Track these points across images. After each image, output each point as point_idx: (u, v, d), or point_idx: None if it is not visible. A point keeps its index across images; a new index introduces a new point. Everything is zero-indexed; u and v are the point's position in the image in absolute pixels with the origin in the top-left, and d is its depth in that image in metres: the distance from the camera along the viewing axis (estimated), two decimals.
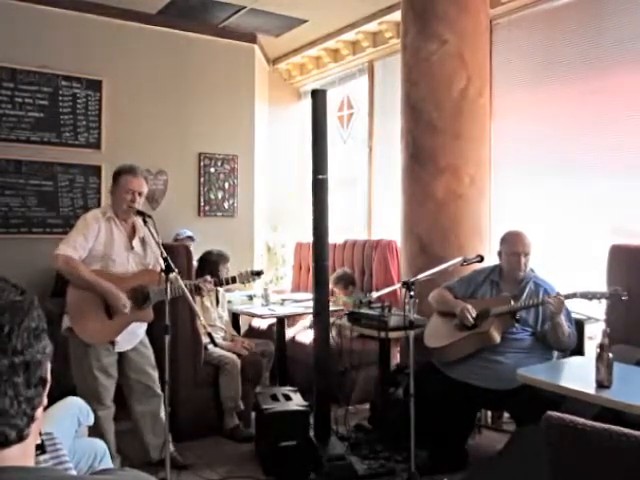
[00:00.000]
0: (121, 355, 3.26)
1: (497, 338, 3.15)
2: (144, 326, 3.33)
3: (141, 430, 3.34)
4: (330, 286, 4.77)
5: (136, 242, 3.29)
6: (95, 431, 2.98)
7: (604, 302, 3.16)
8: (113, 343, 3.19)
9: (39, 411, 0.82)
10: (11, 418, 0.78)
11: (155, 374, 3.34)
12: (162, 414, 3.27)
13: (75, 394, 2.66)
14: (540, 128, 4.33)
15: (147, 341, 3.38)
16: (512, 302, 3.18)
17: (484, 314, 3.21)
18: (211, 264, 4.29)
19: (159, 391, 3.31)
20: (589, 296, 2.97)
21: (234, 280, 3.48)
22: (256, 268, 3.73)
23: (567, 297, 3.03)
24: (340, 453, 3.24)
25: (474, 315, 3.22)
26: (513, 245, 3.30)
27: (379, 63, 5.79)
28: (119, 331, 3.16)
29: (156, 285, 3.15)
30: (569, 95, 4.16)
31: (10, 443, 0.79)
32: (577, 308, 3.69)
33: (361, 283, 5.15)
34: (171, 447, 3.33)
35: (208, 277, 3.47)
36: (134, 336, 3.28)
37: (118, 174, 3.25)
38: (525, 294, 3.25)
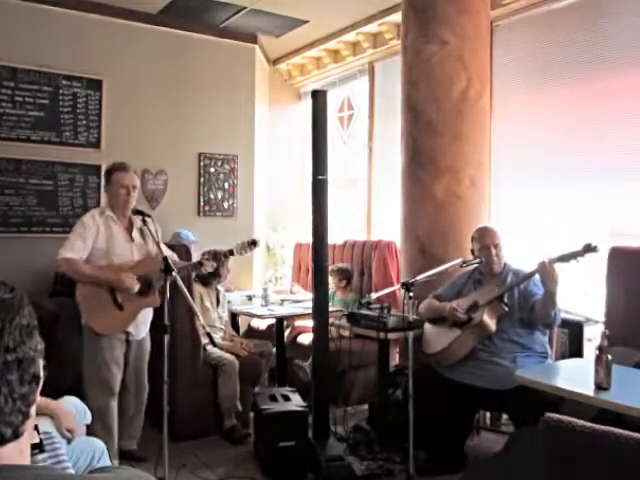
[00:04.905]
0: (127, 345, 3.36)
1: (492, 326, 3.19)
2: (150, 317, 3.44)
3: (124, 417, 3.41)
4: None
5: (135, 233, 3.39)
6: (103, 424, 3.05)
7: (582, 261, 3.05)
8: (128, 334, 3.32)
9: (33, 408, 0.82)
10: (6, 416, 0.78)
11: (146, 365, 3.48)
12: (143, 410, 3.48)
13: (72, 394, 2.66)
14: (540, 130, 4.33)
15: (148, 336, 3.49)
16: (497, 289, 3.24)
17: (474, 307, 3.26)
18: None
19: (146, 382, 3.47)
20: (565, 259, 3.01)
21: (232, 253, 3.52)
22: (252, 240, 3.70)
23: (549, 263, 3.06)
24: (338, 454, 3.24)
25: (463, 311, 3.27)
26: (481, 239, 3.41)
27: (379, 64, 5.79)
28: (132, 319, 3.28)
29: (157, 271, 3.18)
30: (569, 97, 4.16)
31: (6, 441, 0.79)
32: (577, 310, 3.70)
33: (360, 284, 5.14)
34: (134, 444, 3.49)
35: (205, 255, 3.53)
36: (145, 325, 3.44)
37: (110, 172, 3.37)
38: (508, 284, 3.30)
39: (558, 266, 3.04)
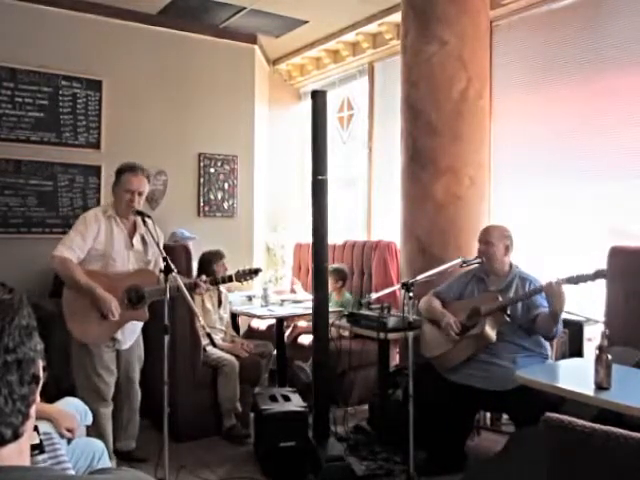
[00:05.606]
0: (117, 350, 3.31)
1: (493, 336, 3.15)
2: (139, 328, 3.39)
3: (119, 420, 3.41)
4: None
5: (136, 240, 3.30)
6: (96, 429, 3.02)
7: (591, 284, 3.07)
8: (115, 340, 3.24)
9: (33, 409, 0.82)
10: (7, 417, 0.78)
11: (139, 367, 3.44)
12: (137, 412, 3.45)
13: (73, 394, 2.66)
14: (540, 130, 4.33)
15: (140, 339, 3.46)
16: (500, 298, 3.19)
17: (475, 313, 3.23)
18: (207, 263, 4.30)
19: (138, 387, 3.43)
20: (573, 281, 2.98)
21: (231, 279, 3.44)
22: (254, 266, 3.69)
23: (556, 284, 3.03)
24: (339, 454, 3.24)
25: (457, 331, 3.23)
26: (479, 236, 3.42)
27: (379, 64, 5.79)
28: (114, 331, 3.20)
29: (153, 285, 3.16)
30: (569, 97, 4.16)
31: (6, 442, 0.79)
32: (576, 309, 3.70)
33: (360, 284, 5.14)
34: (133, 444, 3.47)
35: (204, 276, 3.45)
36: (134, 333, 3.36)
37: (120, 172, 3.26)
38: (513, 289, 3.27)
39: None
